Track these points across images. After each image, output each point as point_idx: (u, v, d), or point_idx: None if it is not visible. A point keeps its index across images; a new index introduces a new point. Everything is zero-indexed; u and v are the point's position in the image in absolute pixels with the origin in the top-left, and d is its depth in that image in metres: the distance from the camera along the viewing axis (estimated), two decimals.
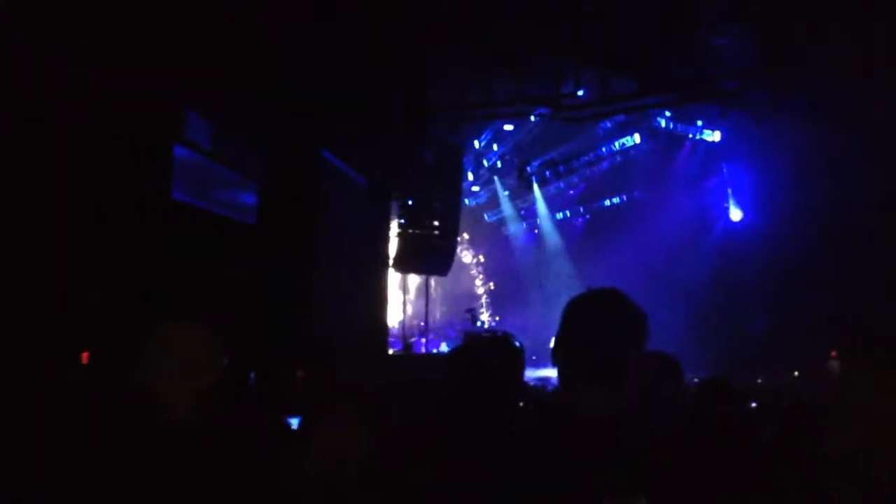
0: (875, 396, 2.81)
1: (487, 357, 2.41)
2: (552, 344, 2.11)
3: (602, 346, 2.02)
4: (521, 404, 2.47)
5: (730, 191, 16.55)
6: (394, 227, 14.04)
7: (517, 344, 2.46)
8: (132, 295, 5.63)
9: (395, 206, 13.82)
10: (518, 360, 2.43)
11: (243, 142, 7.88)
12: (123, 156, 5.72)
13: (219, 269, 6.86)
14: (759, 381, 11.54)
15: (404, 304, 18.06)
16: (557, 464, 1.86)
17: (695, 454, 2.32)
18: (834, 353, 12.39)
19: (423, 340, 16.90)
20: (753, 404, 5.30)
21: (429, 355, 15.35)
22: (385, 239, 13.37)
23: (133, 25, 5.64)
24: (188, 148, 6.73)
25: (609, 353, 2.01)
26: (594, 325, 2.05)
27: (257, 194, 8.27)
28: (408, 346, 15.89)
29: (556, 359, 2.08)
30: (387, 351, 13.22)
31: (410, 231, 13.94)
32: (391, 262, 13.95)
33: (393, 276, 16.20)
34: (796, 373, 12.48)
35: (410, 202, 13.82)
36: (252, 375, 4.82)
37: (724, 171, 16.53)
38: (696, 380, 3.92)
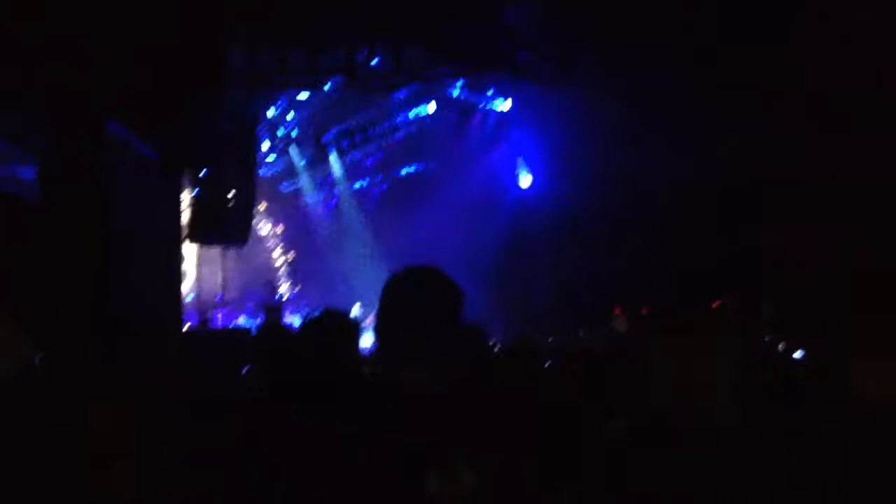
0: (664, 350, 3.08)
1: (322, 333, 2.45)
2: (373, 319, 2.19)
3: (421, 322, 2.11)
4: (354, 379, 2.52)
5: (519, 159, 17.15)
6: (187, 200, 13.63)
7: (351, 320, 2.54)
8: None
9: (187, 178, 13.40)
10: (354, 335, 2.50)
11: (22, 114, 7.42)
12: None
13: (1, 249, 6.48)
14: (550, 340, 12.14)
15: (200, 278, 17.61)
16: (383, 438, 1.94)
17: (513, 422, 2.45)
18: (617, 310, 13.20)
19: (220, 315, 16.59)
20: (548, 363, 5.59)
21: (226, 329, 15.09)
22: (178, 211, 12.96)
23: None
24: None
25: (428, 328, 2.10)
26: (413, 302, 2.14)
27: (38, 169, 7.82)
28: (204, 321, 15.55)
29: (379, 334, 2.16)
30: (182, 326, 12.87)
31: (205, 203, 13.58)
32: (186, 234, 13.56)
33: (189, 250, 15.76)
34: (581, 332, 13.22)
35: (203, 173, 13.45)
36: (39, 359, 4.62)
37: (514, 139, 17.10)
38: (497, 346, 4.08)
